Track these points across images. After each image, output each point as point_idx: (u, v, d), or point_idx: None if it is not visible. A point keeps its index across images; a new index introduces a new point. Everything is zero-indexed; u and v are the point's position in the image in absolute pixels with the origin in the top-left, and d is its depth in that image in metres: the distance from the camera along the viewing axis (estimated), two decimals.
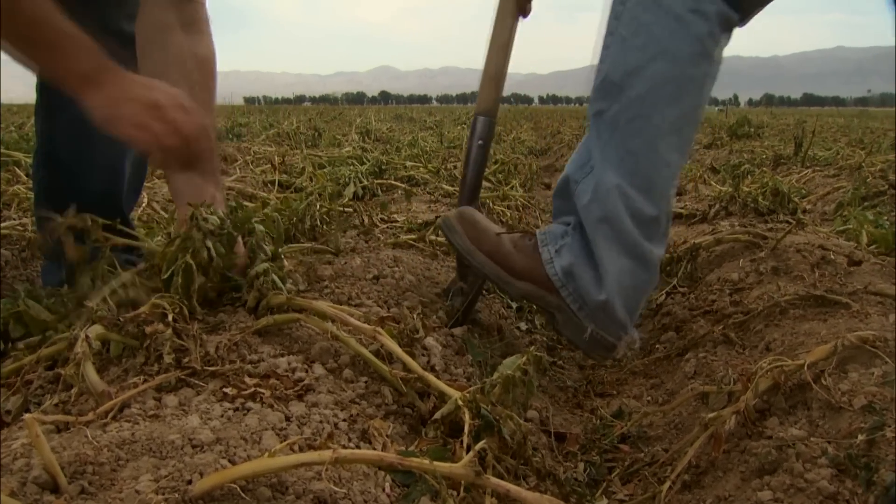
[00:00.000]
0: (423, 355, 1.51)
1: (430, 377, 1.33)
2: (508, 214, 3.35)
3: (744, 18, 1.58)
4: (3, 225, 2.72)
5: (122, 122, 1.36)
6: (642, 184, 1.55)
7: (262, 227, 2.29)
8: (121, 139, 1.38)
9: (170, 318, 1.32)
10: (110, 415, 1.11)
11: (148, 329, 1.30)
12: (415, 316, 1.51)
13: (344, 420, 1.22)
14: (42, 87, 1.97)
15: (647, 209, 1.55)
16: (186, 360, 1.27)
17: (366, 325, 1.41)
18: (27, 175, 4.01)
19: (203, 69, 1.72)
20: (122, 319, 1.32)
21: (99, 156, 1.96)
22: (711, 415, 1.31)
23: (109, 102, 1.35)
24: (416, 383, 1.35)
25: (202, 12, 1.75)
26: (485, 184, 4.05)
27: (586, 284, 1.60)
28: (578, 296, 1.61)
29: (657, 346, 2.06)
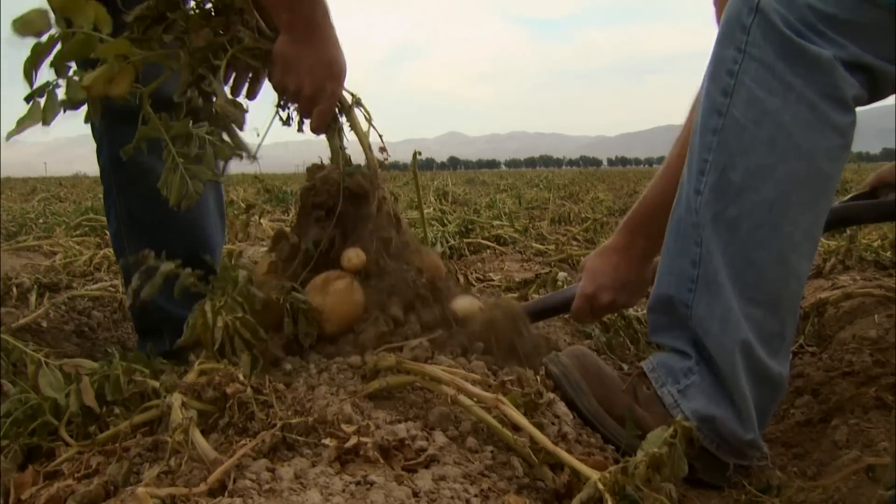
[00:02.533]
0: (553, 423, 1.37)
1: (562, 453, 1.19)
2: None
3: (871, 100, 1.34)
4: (94, 287, 2.71)
5: (272, 77, 1.54)
6: (767, 299, 1.33)
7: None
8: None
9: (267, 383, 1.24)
10: (222, 488, 1.00)
11: (230, 390, 1.21)
12: (538, 378, 1.38)
13: (475, 496, 1.08)
14: (114, 165, 1.92)
15: (771, 325, 1.34)
16: (292, 423, 1.17)
17: (486, 393, 1.28)
18: None
19: None
20: (202, 385, 1.24)
21: (181, 220, 1.91)
22: (887, 493, 1.14)
23: (282, 56, 1.51)
24: (546, 456, 1.21)
25: None
26: (574, 242, 3.93)
27: (729, 425, 1.37)
28: (717, 437, 1.38)
29: (792, 410, 1.88)
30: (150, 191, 1.85)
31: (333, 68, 1.55)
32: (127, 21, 1.41)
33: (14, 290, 2.63)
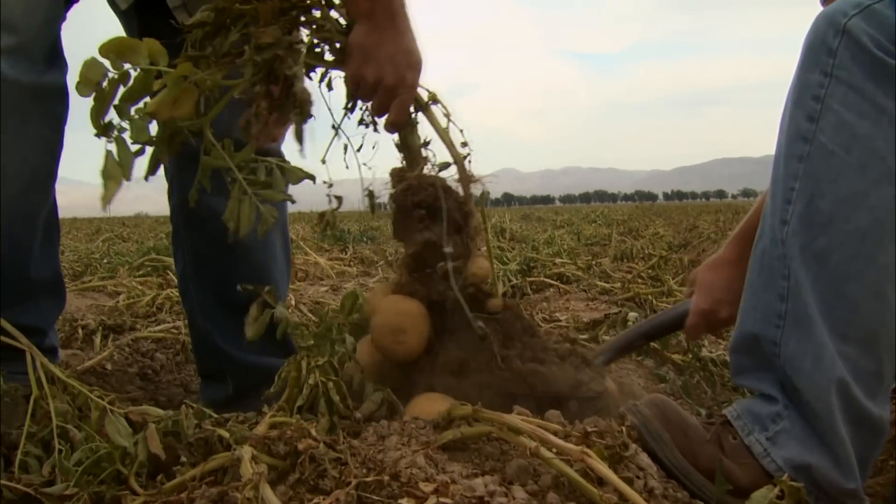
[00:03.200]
0: (638, 477, 1.28)
1: None
2: None
3: None
4: (157, 329, 2.70)
5: (348, 68, 1.45)
6: (862, 336, 1.22)
7: None
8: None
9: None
10: None
11: (302, 445, 1.16)
12: (623, 429, 1.30)
13: None
14: (183, 206, 1.90)
15: (868, 364, 1.23)
16: (367, 480, 1.11)
17: (570, 445, 1.20)
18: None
19: None
20: (273, 439, 1.19)
21: (248, 263, 1.88)
22: None
23: (360, 46, 1.44)
24: None
25: None
26: (640, 280, 3.82)
27: (827, 473, 1.25)
28: (814, 487, 1.26)
29: (892, 462, 1.74)
30: (219, 232, 1.83)
31: (413, 57, 1.48)
32: (185, 30, 1.38)
33: (80, 331, 2.63)
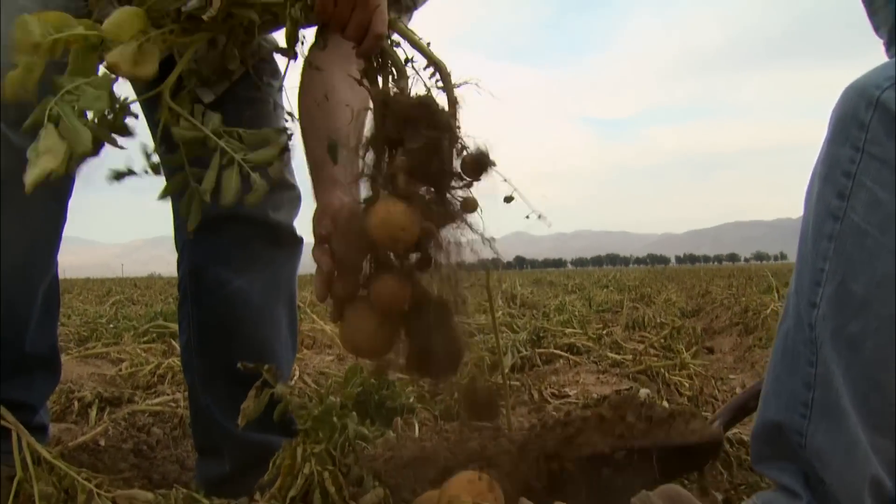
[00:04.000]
0: None
1: None
2: (687, 385, 3.00)
3: None
4: (155, 402, 2.63)
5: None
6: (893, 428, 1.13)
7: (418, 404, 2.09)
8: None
9: None
10: None
11: None
12: None
13: None
14: (192, 275, 1.87)
15: None
16: None
17: None
18: None
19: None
20: None
21: (252, 338, 1.83)
22: None
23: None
24: None
25: None
26: (652, 351, 3.73)
27: None
28: None
29: None
30: (225, 304, 1.79)
31: None
32: None
33: (76, 404, 2.57)
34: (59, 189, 1.60)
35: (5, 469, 1.43)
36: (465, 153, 1.23)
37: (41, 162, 1.00)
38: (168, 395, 2.71)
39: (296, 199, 1.91)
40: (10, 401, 1.53)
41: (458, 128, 1.25)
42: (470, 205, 1.23)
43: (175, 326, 4.59)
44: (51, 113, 1.03)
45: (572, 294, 10.56)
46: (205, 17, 1.18)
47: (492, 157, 1.22)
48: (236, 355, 1.82)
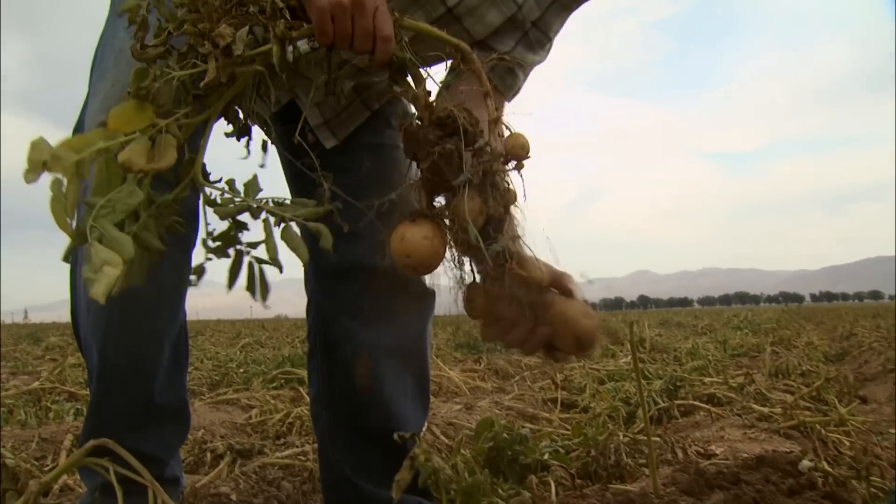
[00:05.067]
0: None
1: None
2: (847, 444, 2.73)
3: None
4: (285, 454, 2.61)
5: (316, 3, 1.22)
6: None
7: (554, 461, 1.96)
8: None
9: None
10: None
11: None
12: None
13: None
14: (320, 326, 1.83)
15: None
16: None
17: None
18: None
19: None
20: None
21: (378, 392, 1.76)
22: None
23: None
24: None
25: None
26: (802, 403, 3.45)
27: None
28: None
29: None
30: (351, 357, 1.74)
31: None
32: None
33: (208, 455, 2.58)
34: (183, 237, 1.59)
35: None
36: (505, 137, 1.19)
37: (105, 274, 0.96)
38: (297, 447, 2.68)
39: None
40: (141, 453, 1.52)
41: (497, 112, 1.21)
42: (511, 196, 1.18)
43: (302, 372, 4.63)
44: (91, 234, 1.00)
45: (703, 336, 10.12)
46: (201, 87, 1.15)
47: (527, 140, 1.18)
48: (362, 411, 1.77)
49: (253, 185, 1.19)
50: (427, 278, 1.82)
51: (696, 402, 3.49)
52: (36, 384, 4.40)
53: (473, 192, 1.13)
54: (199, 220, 1.61)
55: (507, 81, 1.54)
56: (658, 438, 2.57)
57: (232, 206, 1.17)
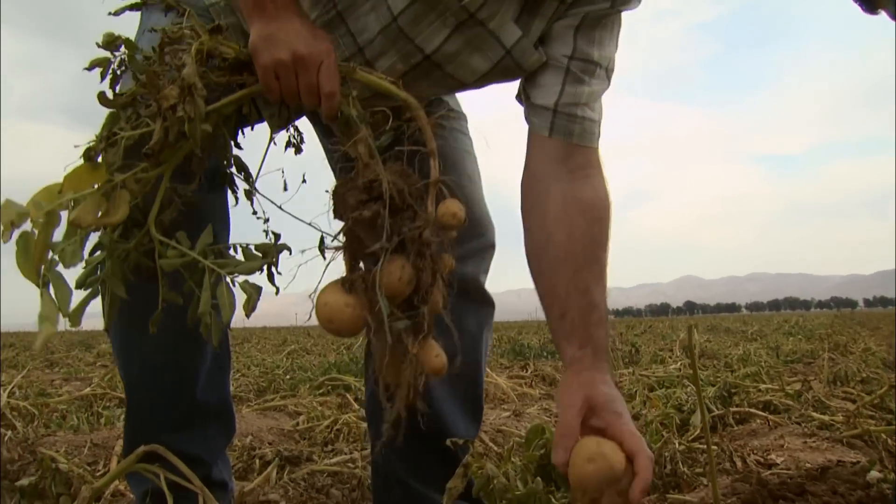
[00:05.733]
0: None
1: None
2: None
3: None
4: (333, 461, 2.59)
5: (260, 61, 1.27)
6: None
7: None
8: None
9: None
10: None
11: None
12: None
13: None
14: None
15: None
16: None
17: None
18: (356, 401, 4.03)
19: (588, 214, 1.44)
20: None
21: (429, 401, 1.73)
22: None
23: (262, 38, 1.28)
24: None
25: (592, 159, 1.49)
26: (864, 411, 3.32)
27: None
28: None
29: None
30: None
31: (316, 30, 1.33)
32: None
33: (257, 462, 2.57)
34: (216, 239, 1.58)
35: None
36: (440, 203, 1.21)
37: (43, 329, 1.04)
38: (345, 454, 2.66)
39: (487, 249, 1.80)
40: (185, 453, 1.51)
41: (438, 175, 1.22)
42: (444, 264, 1.21)
43: (349, 378, 4.63)
44: (43, 279, 1.08)
45: (753, 342, 9.90)
46: (144, 152, 1.19)
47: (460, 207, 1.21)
48: (413, 415, 1.73)
49: (205, 238, 1.25)
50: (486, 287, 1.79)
51: (751, 410, 3.39)
52: (88, 390, 4.46)
53: (403, 260, 1.16)
54: (229, 218, 1.61)
55: (576, 130, 1.47)
56: (715, 447, 2.49)
57: (177, 258, 1.24)
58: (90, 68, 1.34)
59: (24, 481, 2.32)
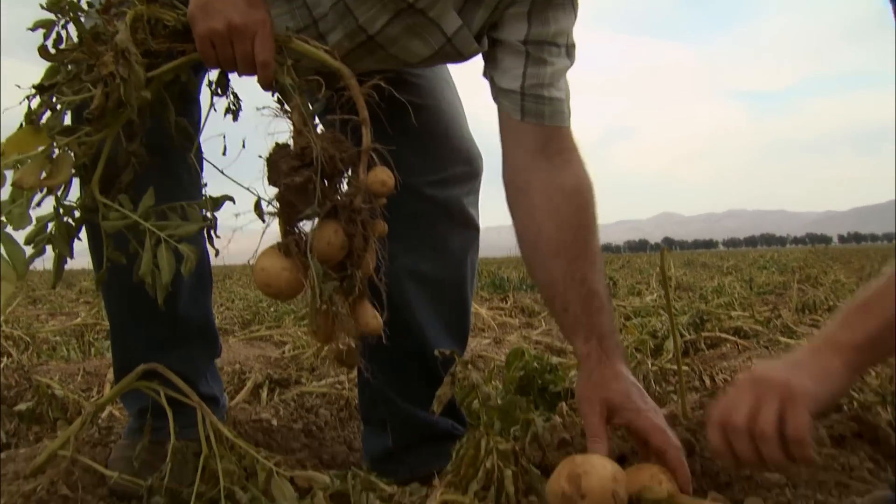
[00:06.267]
0: None
1: None
2: (873, 374, 2.76)
3: None
4: (321, 383, 2.69)
5: (196, 30, 1.30)
6: None
7: None
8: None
9: None
10: None
11: None
12: None
13: None
14: None
15: None
16: None
17: None
18: None
19: (573, 201, 1.49)
20: None
21: (413, 323, 1.81)
22: None
23: (198, 6, 1.30)
24: None
25: (567, 141, 1.54)
26: None
27: None
28: None
29: None
30: (388, 278, 1.78)
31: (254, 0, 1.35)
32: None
33: (248, 385, 2.67)
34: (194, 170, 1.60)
35: (192, 446, 1.46)
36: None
37: (2, 290, 1.12)
38: (333, 377, 2.76)
39: (472, 176, 1.85)
40: (172, 371, 1.53)
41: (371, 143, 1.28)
42: (377, 229, 1.28)
43: None
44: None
45: (729, 276, 10.12)
46: (85, 116, 1.24)
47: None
48: (397, 335, 1.81)
49: (146, 201, 1.31)
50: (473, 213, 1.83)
51: (722, 335, 3.54)
52: (79, 320, 4.52)
53: (335, 225, 1.22)
54: (202, 158, 1.64)
55: (546, 112, 1.51)
56: (686, 368, 2.61)
57: (119, 220, 1.31)
58: (33, 29, 1.36)
59: (22, 406, 2.42)
